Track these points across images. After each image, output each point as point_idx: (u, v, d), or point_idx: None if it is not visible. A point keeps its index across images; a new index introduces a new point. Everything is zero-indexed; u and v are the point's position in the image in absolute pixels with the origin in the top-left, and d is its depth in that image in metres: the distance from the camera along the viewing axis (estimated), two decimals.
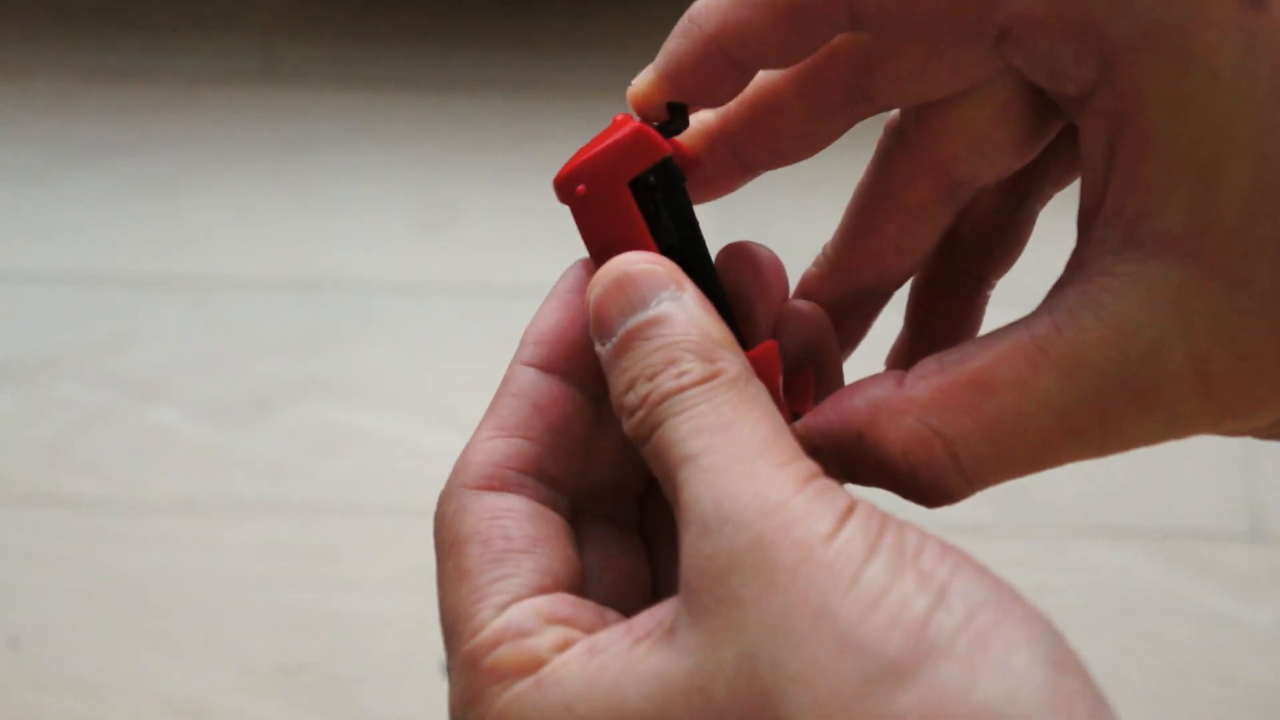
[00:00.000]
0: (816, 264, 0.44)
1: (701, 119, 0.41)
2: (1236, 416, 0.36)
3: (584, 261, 0.40)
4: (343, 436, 1.01)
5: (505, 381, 0.40)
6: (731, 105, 0.41)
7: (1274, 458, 1.00)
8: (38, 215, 1.11)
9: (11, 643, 0.92)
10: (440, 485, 0.40)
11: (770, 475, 0.34)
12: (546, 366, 0.39)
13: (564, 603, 0.36)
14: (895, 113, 0.42)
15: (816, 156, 0.42)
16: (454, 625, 0.36)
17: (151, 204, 1.12)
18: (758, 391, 0.36)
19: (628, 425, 0.36)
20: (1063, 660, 0.32)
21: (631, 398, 0.36)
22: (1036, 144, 0.40)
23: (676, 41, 0.39)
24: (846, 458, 0.38)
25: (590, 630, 0.35)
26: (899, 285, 0.43)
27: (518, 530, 0.37)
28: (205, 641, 0.92)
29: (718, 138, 0.41)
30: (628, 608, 0.38)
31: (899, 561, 0.32)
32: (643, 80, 0.40)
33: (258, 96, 1.17)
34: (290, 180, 1.13)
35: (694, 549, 0.33)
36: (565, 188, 0.39)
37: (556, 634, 0.35)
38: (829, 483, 0.34)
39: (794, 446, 0.35)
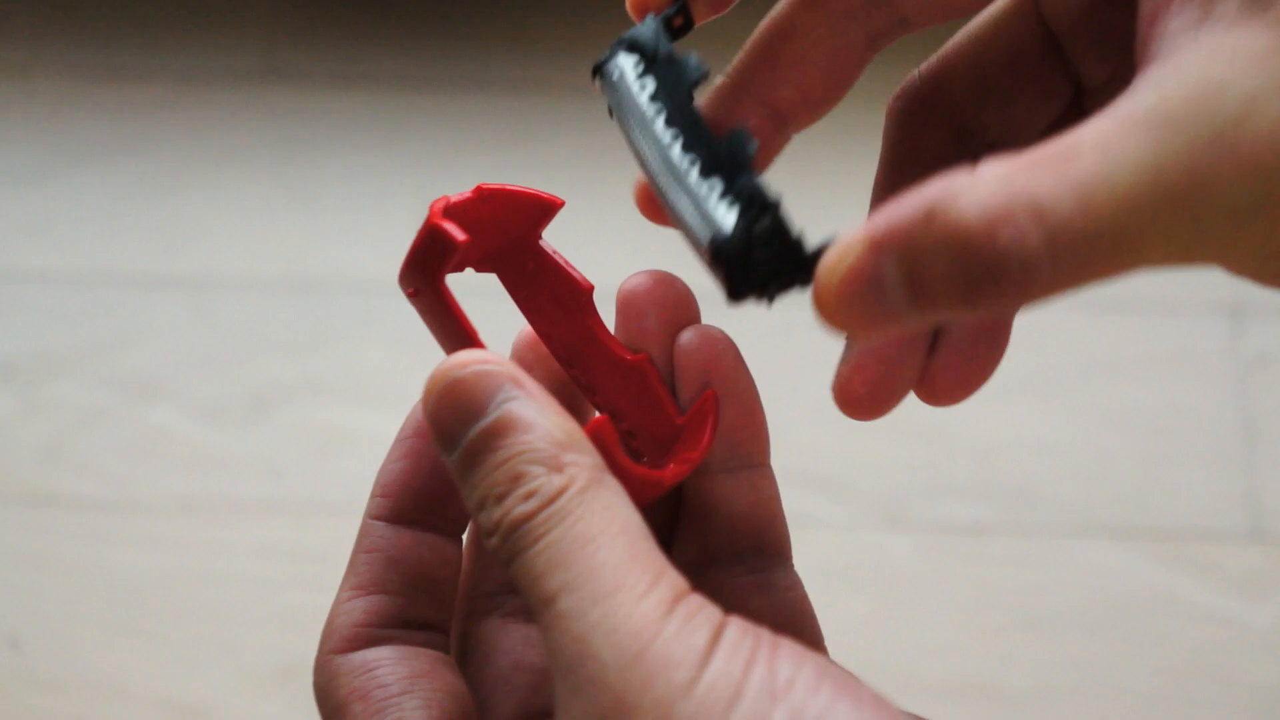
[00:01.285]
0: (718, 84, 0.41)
1: (715, 84, 0.40)
2: None
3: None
4: (342, 436, 1.01)
5: (359, 536, 0.39)
6: (745, 48, 0.40)
7: (1275, 457, 1.00)
8: (37, 215, 1.11)
9: (11, 643, 0.92)
10: None
11: (630, 612, 0.32)
12: (395, 518, 0.39)
13: None
14: None
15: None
16: None
17: (151, 204, 1.12)
18: (611, 496, 0.34)
19: (487, 545, 0.35)
20: None
21: (485, 520, 0.35)
22: None
23: None
24: (912, 254, 0.32)
25: None
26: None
27: (391, 675, 0.37)
28: (205, 641, 0.92)
29: (741, 89, 0.40)
30: (539, 710, 0.38)
31: (768, 699, 0.31)
32: None
33: (258, 96, 1.17)
34: (290, 180, 1.13)
35: (564, 707, 0.33)
36: (403, 290, 0.39)
37: None
38: (695, 602, 0.33)
39: (654, 559, 0.33)
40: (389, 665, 0.37)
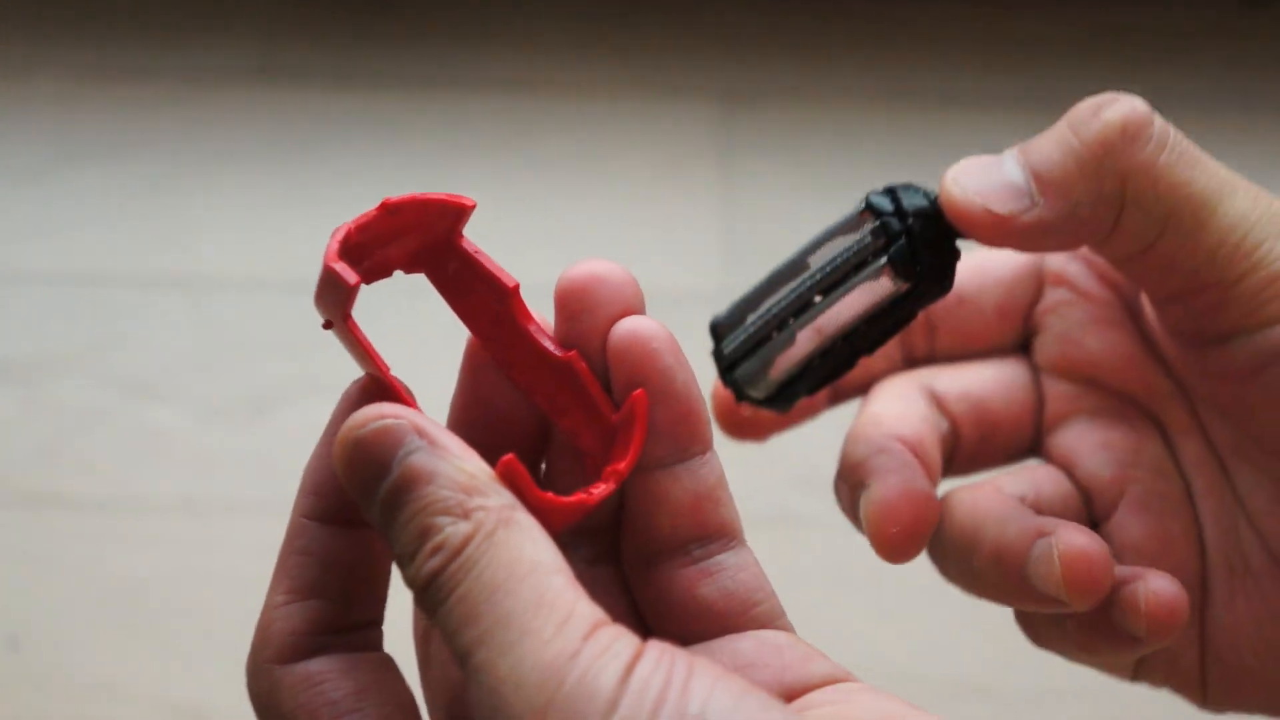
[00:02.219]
0: None
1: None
2: None
3: (358, 383, 0.40)
4: None
5: (289, 535, 0.39)
6: None
7: None
8: (38, 215, 1.11)
9: (11, 643, 0.92)
10: None
11: (537, 660, 0.32)
12: (326, 518, 0.39)
13: None
14: None
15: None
16: None
17: (151, 204, 1.12)
18: (518, 536, 0.33)
19: (414, 600, 0.35)
20: None
21: (405, 577, 0.34)
22: None
23: None
24: (1031, 144, 0.39)
25: None
26: None
27: (338, 691, 0.37)
28: (205, 641, 0.92)
29: None
30: None
31: None
32: None
33: (257, 96, 1.17)
34: (290, 180, 1.13)
35: None
36: (324, 321, 0.39)
37: None
38: (606, 637, 0.32)
39: (564, 596, 0.33)
40: (334, 679, 0.37)
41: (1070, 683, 0.92)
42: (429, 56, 1.20)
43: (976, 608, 0.51)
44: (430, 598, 0.33)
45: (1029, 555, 0.41)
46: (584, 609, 0.32)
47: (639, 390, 0.39)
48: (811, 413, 0.46)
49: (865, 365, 0.45)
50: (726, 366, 0.42)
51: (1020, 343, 0.47)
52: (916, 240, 0.38)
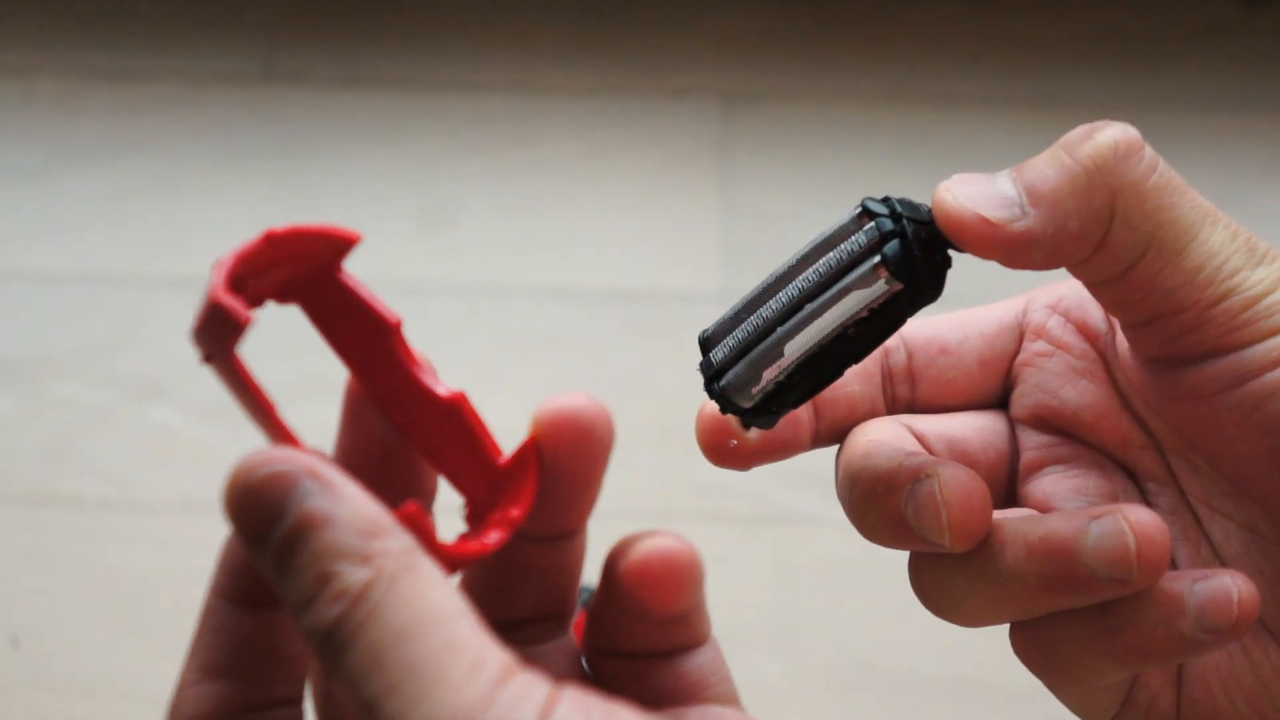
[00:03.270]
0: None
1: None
2: None
3: None
4: None
5: (203, 612, 0.38)
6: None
7: None
8: (38, 215, 1.11)
9: (11, 643, 0.92)
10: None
11: (452, 704, 0.31)
12: (239, 598, 0.38)
13: None
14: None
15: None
16: None
17: (151, 204, 1.12)
18: (422, 582, 0.32)
19: (311, 651, 0.34)
20: None
21: (301, 627, 0.33)
22: None
23: None
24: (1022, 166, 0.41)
25: None
26: None
27: None
28: None
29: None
30: None
31: None
32: None
33: (258, 97, 1.17)
34: (290, 180, 1.13)
35: None
36: (200, 355, 0.36)
37: None
38: (520, 683, 0.31)
39: (474, 640, 0.32)
40: None
41: None
42: (429, 57, 1.20)
43: None
44: (332, 646, 0.32)
45: (1087, 537, 0.40)
46: (495, 654, 0.32)
47: (531, 435, 0.38)
48: (797, 449, 0.46)
49: (850, 407, 0.46)
50: (712, 376, 0.42)
51: (1000, 398, 0.47)
52: (910, 240, 0.39)
